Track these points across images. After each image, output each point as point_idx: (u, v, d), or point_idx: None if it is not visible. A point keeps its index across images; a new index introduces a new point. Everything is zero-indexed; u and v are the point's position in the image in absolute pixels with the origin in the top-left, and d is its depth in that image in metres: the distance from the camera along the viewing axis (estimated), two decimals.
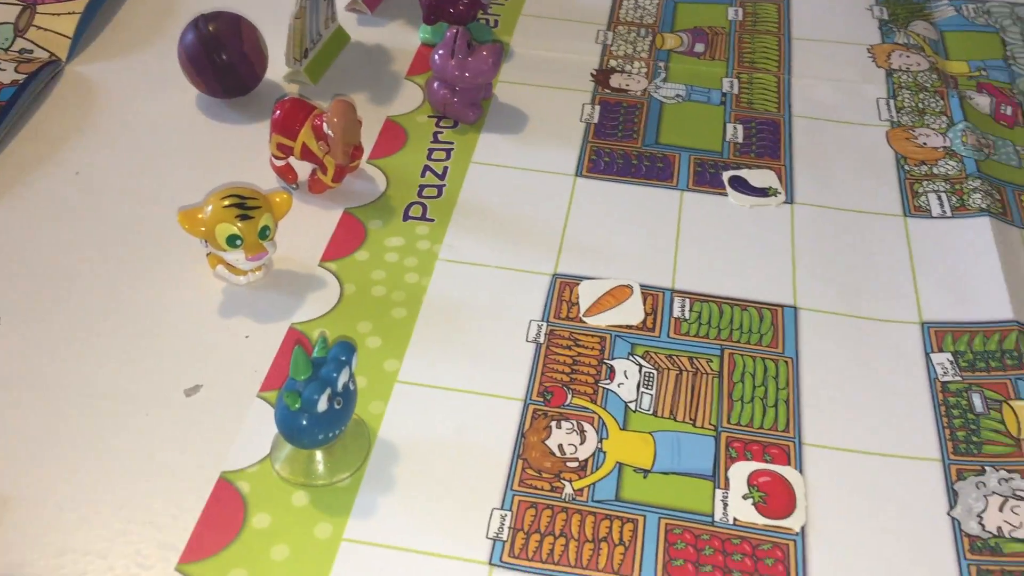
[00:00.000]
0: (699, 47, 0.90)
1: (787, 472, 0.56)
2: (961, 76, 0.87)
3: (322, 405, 0.51)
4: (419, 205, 0.72)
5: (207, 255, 0.65)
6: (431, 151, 0.77)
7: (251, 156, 0.76)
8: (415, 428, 0.58)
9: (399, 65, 0.86)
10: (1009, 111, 0.83)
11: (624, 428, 0.58)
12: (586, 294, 0.66)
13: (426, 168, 0.76)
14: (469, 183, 0.75)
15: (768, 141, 0.79)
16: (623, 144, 0.79)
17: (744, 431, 0.58)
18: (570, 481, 0.55)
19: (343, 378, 0.52)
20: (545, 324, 0.64)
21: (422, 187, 0.74)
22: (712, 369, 0.62)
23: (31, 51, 0.83)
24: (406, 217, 0.72)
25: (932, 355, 0.63)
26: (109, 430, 0.57)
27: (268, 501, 0.54)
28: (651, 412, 0.59)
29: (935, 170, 0.77)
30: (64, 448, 0.56)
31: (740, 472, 0.56)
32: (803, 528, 0.53)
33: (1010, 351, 0.62)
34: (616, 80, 0.85)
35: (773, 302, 0.66)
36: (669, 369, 0.62)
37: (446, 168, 0.76)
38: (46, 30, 0.84)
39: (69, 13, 0.85)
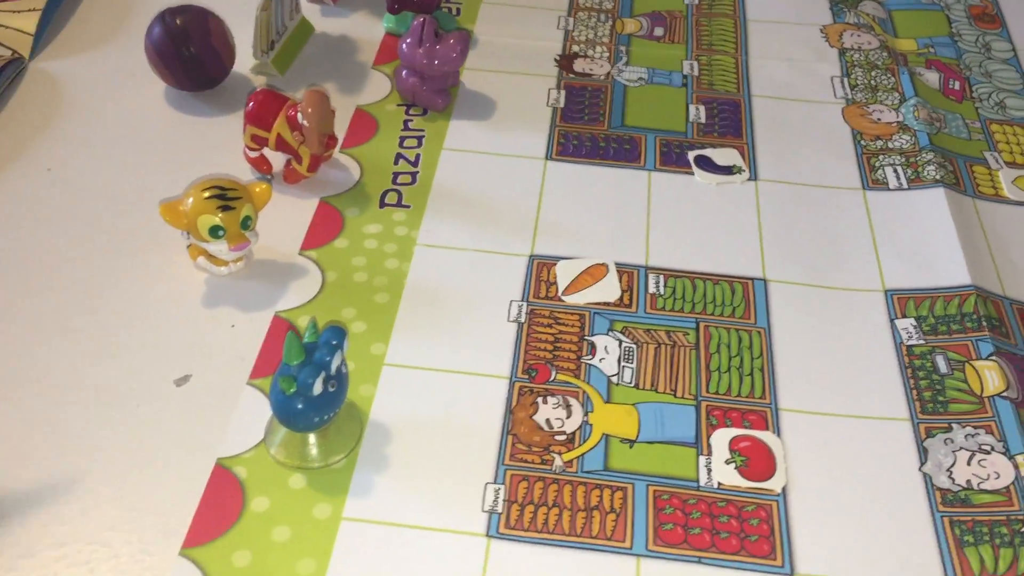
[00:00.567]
0: (658, 31, 0.92)
1: (766, 437, 0.58)
2: (910, 53, 0.90)
3: (317, 388, 0.52)
4: (394, 192, 0.74)
5: (188, 247, 0.66)
6: (403, 139, 0.78)
7: (223, 148, 0.76)
8: (405, 408, 0.59)
9: (365, 55, 0.87)
10: (957, 86, 0.87)
11: (608, 401, 0.60)
12: (563, 274, 0.68)
13: (399, 156, 0.77)
14: (442, 169, 0.76)
15: (730, 121, 0.82)
16: (590, 127, 0.80)
17: (723, 399, 0.61)
18: (559, 453, 0.57)
19: (336, 361, 0.53)
20: (525, 304, 0.66)
21: (396, 174, 0.75)
22: (689, 342, 0.64)
23: None
24: (382, 204, 0.73)
25: (896, 321, 0.66)
26: (102, 423, 0.57)
27: (266, 485, 0.55)
28: (633, 385, 0.61)
29: (890, 144, 0.80)
30: (58, 442, 0.56)
31: (721, 438, 0.58)
32: (784, 489, 0.56)
33: (969, 314, 0.65)
34: (580, 65, 0.87)
35: (743, 275, 0.69)
36: (648, 343, 0.64)
37: (418, 155, 0.77)
38: (7, 27, 0.83)
39: (30, 10, 0.84)
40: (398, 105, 0.82)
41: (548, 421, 0.59)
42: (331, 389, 0.53)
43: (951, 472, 0.56)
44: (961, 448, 0.57)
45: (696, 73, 0.87)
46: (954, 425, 0.59)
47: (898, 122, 0.82)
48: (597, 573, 0.52)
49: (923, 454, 0.58)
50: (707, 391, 0.61)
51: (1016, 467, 0.56)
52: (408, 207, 0.72)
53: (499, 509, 0.54)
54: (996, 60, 0.90)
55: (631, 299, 0.67)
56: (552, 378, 0.61)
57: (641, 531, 0.54)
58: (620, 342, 0.64)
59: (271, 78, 0.83)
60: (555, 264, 0.69)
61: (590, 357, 0.63)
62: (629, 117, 0.82)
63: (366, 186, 0.74)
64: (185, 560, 0.51)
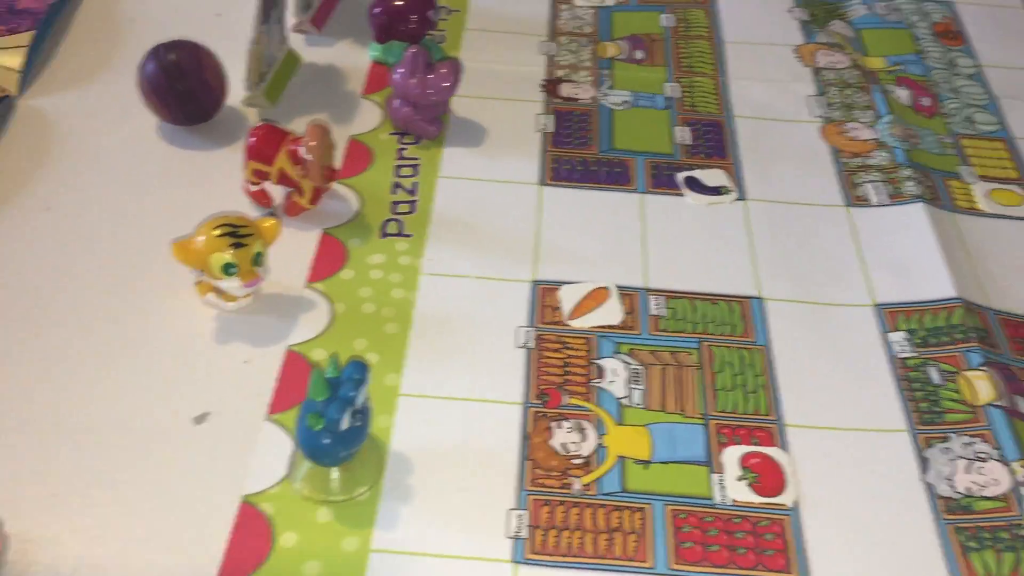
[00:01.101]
0: (639, 54, 0.94)
1: (774, 452, 0.61)
2: (880, 71, 0.94)
3: (345, 424, 0.53)
4: (395, 221, 0.75)
5: (196, 283, 0.66)
6: (398, 168, 0.79)
7: (220, 181, 0.76)
8: (424, 438, 0.60)
9: (354, 84, 0.88)
10: (927, 102, 0.90)
11: (620, 423, 0.62)
12: (567, 298, 0.70)
13: (396, 185, 0.78)
14: (440, 197, 0.77)
15: (715, 142, 0.84)
16: (581, 151, 0.82)
17: (730, 417, 0.63)
18: (578, 477, 0.59)
19: (361, 396, 0.54)
20: (533, 330, 0.67)
21: (395, 203, 0.76)
22: (693, 362, 0.66)
23: None
24: (384, 234, 0.74)
25: (889, 334, 0.68)
26: (122, 464, 0.58)
27: (293, 520, 0.56)
28: (643, 406, 0.63)
29: (869, 161, 0.83)
30: (80, 485, 0.56)
31: (732, 456, 0.60)
32: (795, 503, 0.58)
33: (958, 326, 0.68)
34: (566, 89, 0.89)
35: (740, 294, 0.71)
36: (654, 364, 0.66)
37: (415, 184, 0.78)
38: None
39: (15, 47, 0.84)
40: (391, 134, 0.83)
41: (564, 445, 0.60)
42: (357, 423, 0.54)
43: (951, 481, 0.59)
44: (959, 457, 0.60)
45: (678, 95, 0.89)
46: (951, 435, 0.61)
47: (875, 139, 0.85)
48: None
49: (924, 464, 0.60)
50: (714, 410, 0.63)
51: (1013, 473, 0.59)
52: (410, 236, 0.74)
53: (523, 534, 0.56)
54: (962, 76, 0.94)
55: (635, 321, 0.68)
56: (564, 402, 0.63)
57: (662, 550, 0.55)
58: (627, 364, 0.65)
59: (262, 110, 0.84)
60: (558, 289, 0.70)
61: (599, 380, 0.64)
62: (618, 140, 0.84)
63: (366, 216, 0.75)
64: None
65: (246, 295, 0.66)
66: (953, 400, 0.63)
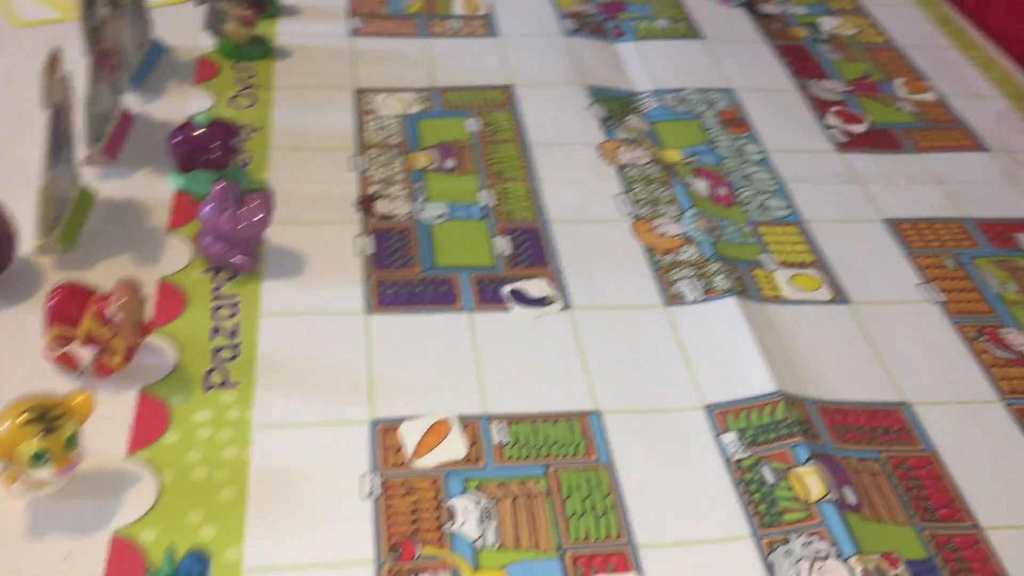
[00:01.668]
0: (449, 162, 0.95)
1: None
2: (678, 164, 0.98)
3: None
4: (218, 371, 0.71)
5: (1, 473, 0.60)
6: (216, 309, 0.76)
7: (16, 344, 0.70)
8: None
9: (157, 218, 0.84)
10: (723, 191, 0.95)
11: (477, 568, 0.61)
12: (408, 436, 0.68)
13: (215, 329, 0.74)
14: (264, 337, 0.74)
15: (533, 250, 0.86)
16: (404, 272, 0.81)
17: (584, 545, 0.63)
18: None
19: None
20: (376, 476, 0.65)
21: (216, 350, 0.72)
22: (542, 490, 0.66)
23: None
24: (208, 386, 0.70)
25: (721, 436, 0.71)
26: None
27: None
28: (497, 544, 0.62)
29: (680, 257, 0.86)
30: None
31: None
32: None
33: (782, 421, 0.71)
34: (381, 206, 0.88)
35: (578, 410, 0.72)
36: (503, 498, 0.65)
37: (236, 325, 0.75)
38: None
39: None
40: (203, 271, 0.79)
41: None
42: None
43: None
44: (801, 559, 0.63)
45: (493, 203, 0.90)
46: (790, 536, 0.64)
47: (683, 234, 0.89)
48: None
49: (770, 570, 0.62)
50: (568, 539, 0.63)
51: (851, 570, 0.62)
52: (236, 385, 0.70)
53: None
54: (751, 163, 1.00)
55: (479, 452, 0.68)
56: (418, 554, 0.61)
57: None
58: (478, 501, 0.65)
59: (58, 257, 0.78)
60: (398, 427, 0.69)
61: (451, 523, 0.63)
62: (439, 256, 0.83)
63: (186, 368, 0.71)
64: None
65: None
66: (788, 499, 0.66)
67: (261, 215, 0.77)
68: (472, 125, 1.00)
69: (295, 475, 0.65)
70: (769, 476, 0.68)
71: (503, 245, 0.85)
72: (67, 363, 0.69)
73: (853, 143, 1.04)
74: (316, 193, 0.88)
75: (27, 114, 0.77)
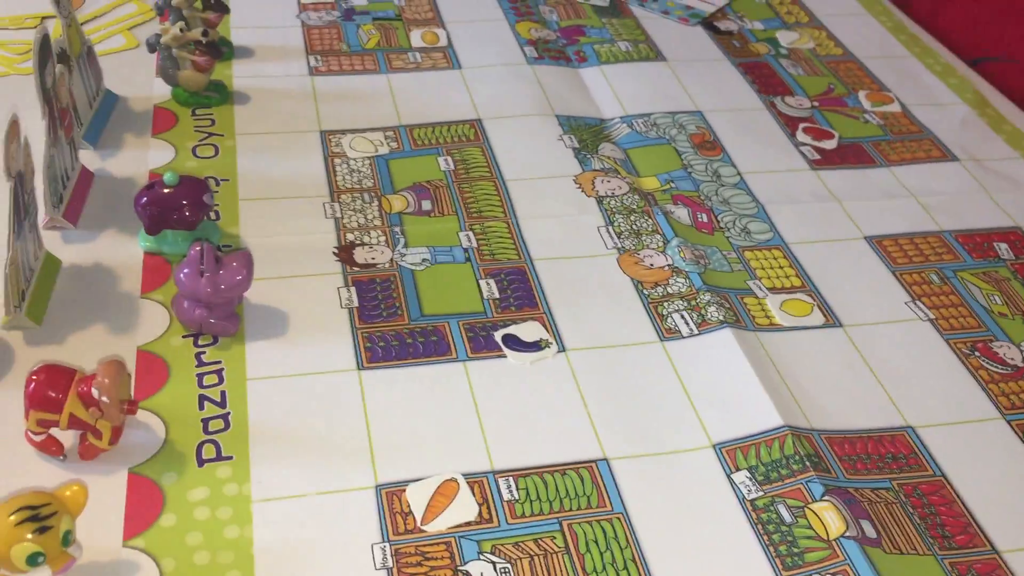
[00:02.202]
0: (426, 204, 0.92)
1: None
2: (656, 191, 0.97)
3: None
4: (211, 444, 0.68)
5: None
6: (200, 377, 0.73)
7: None
8: None
9: (129, 283, 0.80)
10: (705, 218, 0.95)
11: None
12: (415, 500, 0.66)
13: (202, 398, 0.71)
14: (254, 404, 0.71)
15: (522, 291, 0.84)
16: (392, 324, 0.79)
17: None
18: None
19: None
20: (388, 545, 0.63)
21: (206, 421, 0.69)
22: (559, 546, 0.64)
23: None
24: (201, 462, 0.67)
25: (732, 475, 0.70)
26: None
27: None
28: None
29: (670, 290, 0.85)
30: None
31: None
32: None
33: (791, 456, 0.70)
34: (360, 255, 0.85)
35: (586, 459, 0.70)
36: (520, 558, 0.63)
37: (223, 393, 0.72)
38: None
39: None
40: (184, 337, 0.76)
41: None
42: None
43: None
44: None
45: (475, 244, 0.88)
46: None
47: (669, 265, 0.87)
48: None
49: None
50: None
51: None
52: (231, 458, 0.67)
53: None
54: (728, 186, 0.99)
55: (490, 512, 0.66)
56: None
57: None
58: (494, 564, 0.62)
59: (27, 332, 0.74)
60: (404, 490, 0.66)
61: None
62: (426, 305, 0.81)
63: (176, 443, 0.68)
64: None
65: None
66: (808, 538, 0.65)
67: (242, 276, 0.74)
68: (445, 163, 0.98)
69: (303, 550, 0.62)
70: (786, 515, 0.67)
71: (490, 288, 0.83)
72: (50, 448, 0.65)
73: (825, 160, 1.04)
74: (292, 244, 0.86)
75: None
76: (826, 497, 0.67)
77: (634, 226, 0.92)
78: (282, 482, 0.66)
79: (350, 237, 0.87)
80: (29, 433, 0.65)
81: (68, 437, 0.66)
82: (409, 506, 0.65)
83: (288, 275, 0.82)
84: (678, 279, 0.86)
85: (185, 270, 0.73)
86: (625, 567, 0.63)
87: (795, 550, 0.65)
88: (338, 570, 0.61)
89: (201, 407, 0.70)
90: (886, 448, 0.73)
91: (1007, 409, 0.77)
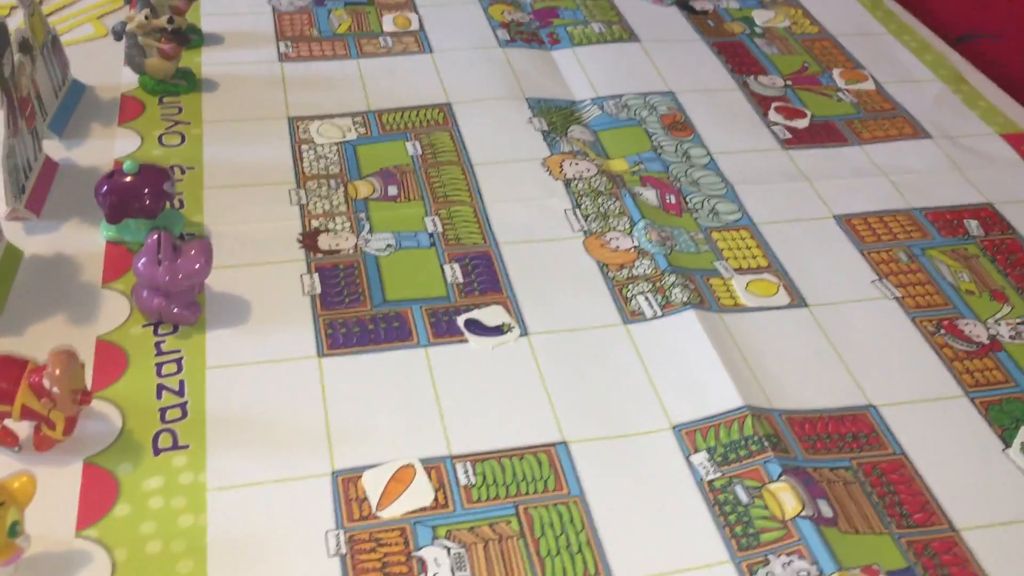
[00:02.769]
0: (392, 189, 0.92)
1: None
2: (625, 173, 0.97)
3: None
4: (167, 433, 0.68)
5: None
6: (159, 366, 0.72)
7: None
8: None
9: (90, 273, 0.80)
10: (673, 199, 0.94)
11: None
12: (371, 486, 0.66)
13: (160, 388, 0.71)
14: (212, 393, 0.71)
15: (486, 275, 0.83)
16: (354, 310, 0.79)
17: None
18: None
19: None
20: (342, 531, 0.63)
21: (163, 410, 0.69)
22: (513, 530, 0.64)
23: None
24: (157, 451, 0.67)
25: (691, 457, 0.69)
26: None
27: None
28: None
29: (634, 272, 0.85)
30: None
31: None
32: None
33: (750, 436, 0.70)
34: (324, 241, 0.85)
35: (545, 443, 0.70)
36: (475, 543, 0.63)
37: (182, 382, 0.71)
38: None
39: None
40: (144, 326, 0.75)
41: None
42: None
43: None
44: None
45: (441, 229, 0.88)
46: (770, 557, 0.63)
47: (635, 247, 0.87)
48: None
49: None
50: None
51: None
52: (187, 447, 0.67)
53: None
54: (697, 167, 0.99)
55: (446, 497, 0.66)
56: None
57: None
58: (448, 549, 0.62)
59: None
60: (360, 476, 0.66)
61: (423, 575, 0.61)
62: (389, 291, 0.81)
63: (133, 433, 0.68)
64: None
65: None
66: (764, 518, 0.65)
67: (199, 264, 0.74)
68: (412, 148, 0.97)
69: (256, 539, 0.62)
70: (743, 496, 0.67)
71: (454, 273, 0.83)
72: (5, 439, 0.65)
73: (797, 139, 1.03)
74: (256, 232, 0.85)
75: None
76: (783, 477, 0.67)
77: (601, 208, 0.91)
78: (238, 470, 0.66)
79: (315, 224, 0.87)
80: None
81: (23, 428, 0.66)
82: (365, 493, 0.65)
83: (251, 263, 0.82)
84: (644, 261, 0.86)
85: (143, 259, 0.73)
86: (580, 550, 0.63)
87: (751, 531, 0.64)
88: (290, 558, 0.61)
89: (159, 396, 0.70)
90: (847, 427, 0.73)
91: (970, 387, 0.77)
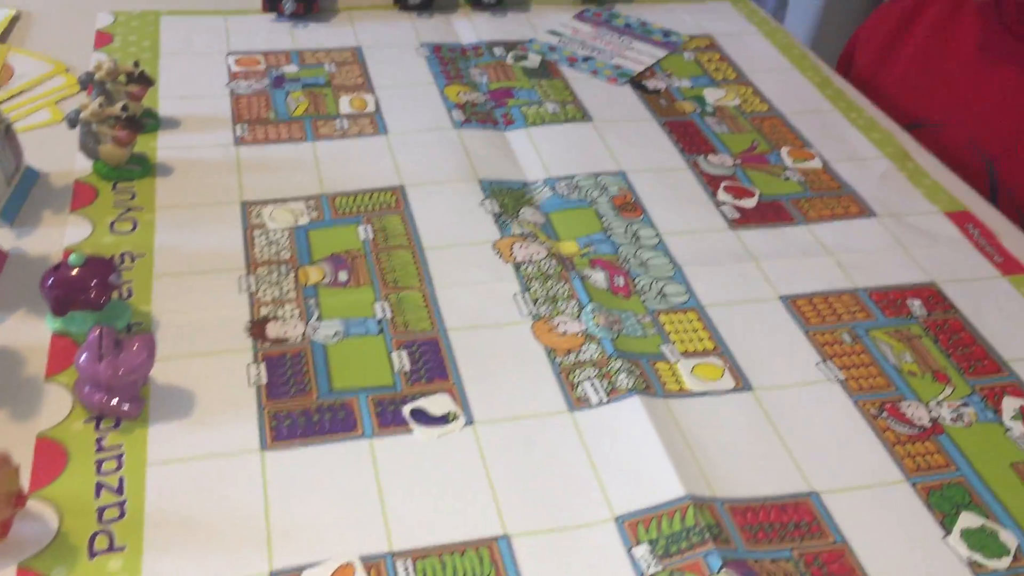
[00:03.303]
0: (342, 275, 0.93)
1: None
2: (575, 255, 0.98)
3: None
4: (104, 535, 0.67)
5: None
6: (99, 463, 0.72)
7: None
8: None
9: (33, 366, 0.80)
10: (621, 282, 0.95)
11: None
12: None
13: (99, 486, 0.70)
14: (152, 491, 0.70)
15: (433, 363, 0.84)
16: (299, 401, 0.79)
17: None
18: None
19: None
20: None
21: (101, 510, 0.69)
22: None
23: None
24: (92, 553, 0.66)
25: (633, 550, 0.69)
26: None
27: None
28: None
29: (581, 357, 0.85)
30: None
31: None
32: None
33: (692, 528, 0.70)
34: (272, 330, 0.85)
35: (486, 536, 0.70)
36: None
37: (121, 479, 0.71)
38: None
39: None
40: (86, 421, 0.75)
41: None
42: None
43: None
44: None
45: (390, 315, 0.88)
46: None
47: (583, 331, 0.88)
48: None
49: None
50: None
51: None
52: (123, 549, 0.66)
53: None
54: (647, 248, 1.00)
55: None
56: None
57: None
58: None
59: None
60: None
61: None
62: (336, 380, 0.81)
63: (69, 535, 0.67)
64: None
65: None
66: None
67: (142, 359, 0.74)
68: (364, 232, 0.98)
69: None
70: None
71: (402, 360, 0.84)
72: None
73: (745, 219, 1.05)
74: (204, 321, 0.85)
75: None
76: (724, 570, 0.67)
77: (550, 292, 0.92)
78: (173, 572, 0.65)
79: (264, 311, 0.87)
80: None
81: None
82: None
83: (198, 353, 0.82)
84: (590, 345, 0.86)
85: (84, 354, 0.73)
86: None
87: None
88: None
89: (98, 495, 0.70)
90: (789, 516, 0.73)
91: (912, 472, 0.77)
